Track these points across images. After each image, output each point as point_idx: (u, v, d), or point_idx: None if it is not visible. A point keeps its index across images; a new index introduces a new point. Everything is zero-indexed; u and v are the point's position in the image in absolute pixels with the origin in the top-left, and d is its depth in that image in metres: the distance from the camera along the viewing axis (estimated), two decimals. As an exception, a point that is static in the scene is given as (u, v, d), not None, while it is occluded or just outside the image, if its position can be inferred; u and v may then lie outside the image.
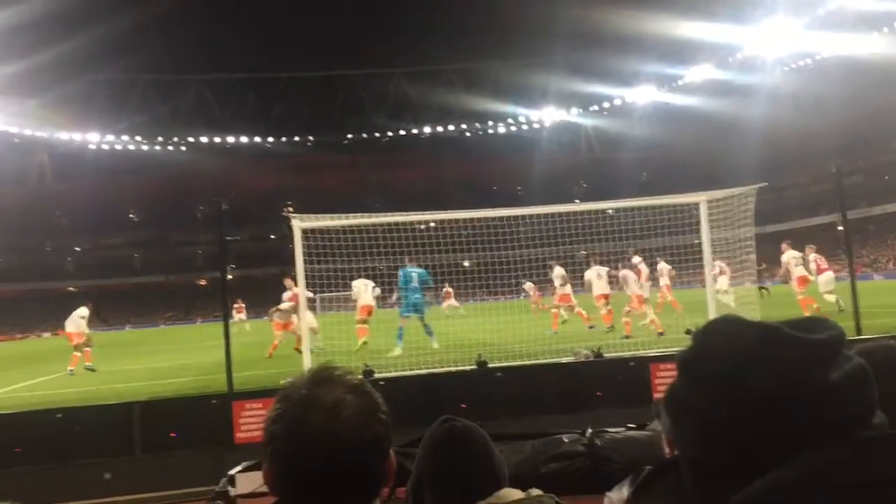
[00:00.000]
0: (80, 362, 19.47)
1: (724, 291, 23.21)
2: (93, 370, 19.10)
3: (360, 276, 17.50)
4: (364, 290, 18.23)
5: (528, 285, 28.36)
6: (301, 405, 1.25)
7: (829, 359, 0.95)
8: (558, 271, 20.10)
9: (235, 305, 38.91)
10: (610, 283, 18.77)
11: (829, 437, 0.88)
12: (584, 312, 19.22)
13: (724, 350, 1.00)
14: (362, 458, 1.25)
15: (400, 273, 17.10)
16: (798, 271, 20.29)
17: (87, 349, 19.92)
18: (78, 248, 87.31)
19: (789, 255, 20.57)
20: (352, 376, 1.33)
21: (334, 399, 1.25)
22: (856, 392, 0.93)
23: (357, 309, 17.98)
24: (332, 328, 16.90)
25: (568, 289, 19.77)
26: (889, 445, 0.88)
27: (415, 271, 16.99)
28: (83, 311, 20.90)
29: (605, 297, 18.52)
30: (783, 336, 0.97)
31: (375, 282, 18.22)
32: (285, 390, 1.30)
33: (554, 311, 20.45)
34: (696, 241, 13.33)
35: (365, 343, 16.27)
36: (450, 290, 30.77)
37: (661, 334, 15.57)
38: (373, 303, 18.55)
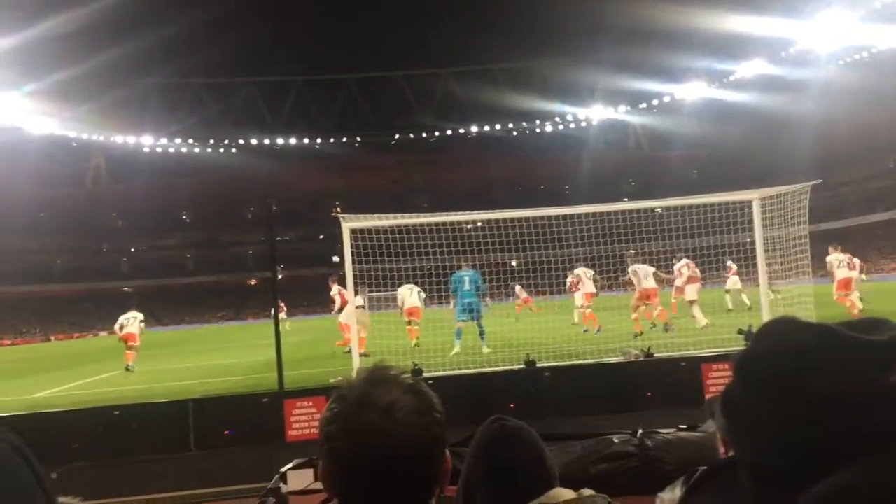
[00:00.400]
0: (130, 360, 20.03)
1: (738, 290, 24.30)
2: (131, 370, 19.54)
3: (407, 276, 17.55)
4: (409, 295, 18.98)
5: (518, 288, 28.43)
6: (357, 405, 1.26)
7: (889, 361, 0.93)
8: (641, 269, 19.74)
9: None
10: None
11: (890, 442, 0.86)
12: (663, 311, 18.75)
13: (780, 351, 0.99)
14: (418, 458, 1.26)
15: (452, 278, 17.07)
16: (840, 273, 20.68)
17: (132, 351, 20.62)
18: (133, 249, 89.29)
19: (834, 257, 21.21)
20: (407, 376, 1.34)
21: (390, 399, 1.26)
22: None
23: (402, 312, 18.50)
24: (382, 327, 16.98)
25: (651, 282, 19.13)
26: None
27: (466, 275, 16.95)
28: (138, 314, 21.77)
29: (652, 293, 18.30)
30: (841, 337, 0.95)
31: (421, 282, 18.29)
32: (341, 390, 1.31)
33: (641, 308, 19.80)
34: (749, 240, 13.09)
35: (416, 344, 16.36)
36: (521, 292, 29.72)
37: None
38: (419, 305, 19.28)
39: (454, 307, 17.19)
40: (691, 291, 20.10)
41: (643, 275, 18.35)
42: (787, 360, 0.97)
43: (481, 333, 16.64)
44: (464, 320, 16.60)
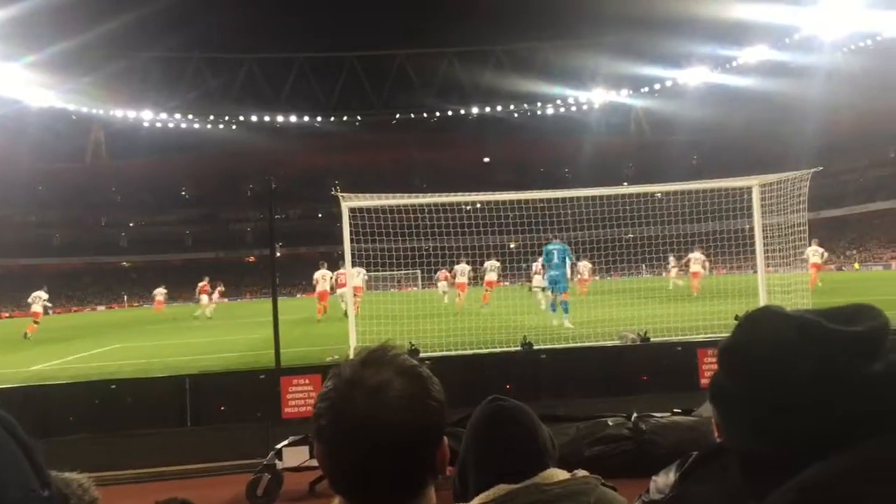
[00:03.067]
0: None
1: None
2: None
3: (405, 256, 17.62)
4: (356, 275, 20.40)
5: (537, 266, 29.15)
6: (347, 384, 1.21)
7: (871, 350, 0.93)
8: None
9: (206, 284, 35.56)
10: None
11: (873, 430, 0.87)
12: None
13: (763, 342, 0.99)
14: (407, 444, 1.19)
15: (543, 250, 17.90)
16: (814, 259, 25.67)
17: None
18: (132, 224, 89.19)
19: (812, 249, 25.41)
20: (406, 358, 1.27)
21: (380, 381, 1.20)
22: None
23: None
24: (374, 307, 17.04)
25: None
26: None
27: (555, 248, 17.50)
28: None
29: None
30: (821, 329, 0.96)
31: (420, 262, 18.50)
32: (337, 368, 1.27)
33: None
34: (748, 227, 13.09)
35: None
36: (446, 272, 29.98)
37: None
38: (362, 284, 22.75)
39: (545, 279, 18.19)
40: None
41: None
42: (770, 350, 0.97)
43: (564, 307, 17.02)
44: (552, 291, 17.63)
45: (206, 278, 35.96)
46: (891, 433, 0.86)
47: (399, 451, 1.19)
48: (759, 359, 0.98)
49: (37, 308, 27.60)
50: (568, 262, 17.70)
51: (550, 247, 17.66)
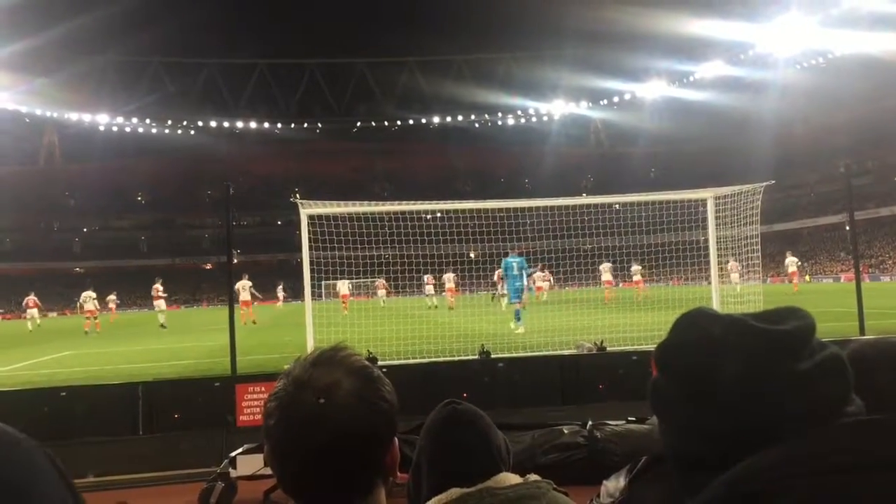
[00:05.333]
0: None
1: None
2: None
3: (365, 264, 17.80)
4: (242, 289, 28.34)
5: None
6: (296, 384, 1.20)
7: (798, 349, 0.95)
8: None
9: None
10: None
11: (801, 426, 0.89)
12: None
13: (692, 342, 1.01)
14: (355, 444, 1.18)
15: (502, 262, 18.78)
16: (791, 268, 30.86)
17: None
18: (86, 229, 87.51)
19: (791, 260, 30.92)
20: (357, 359, 1.27)
21: (330, 381, 1.20)
22: (828, 381, 0.93)
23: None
24: (332, 315, 16.96)
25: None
26: (864, 430, 0.88)
27: (515, 260, 18.49)
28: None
29: None
30: (749, 327, 0.98)
31: (381, 270, 18.83)
32: (288, 368, 1.26)
33: None
34: (703, 238, 13.31)
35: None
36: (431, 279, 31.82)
37: None
38: (249, 298, 29.20)
39: (505, 290, 19.28)
40: None
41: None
42: (697, 350, 0.99)
43: (518, 314, 18.06)
44: (516, 301, 18.33)
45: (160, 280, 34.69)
46: (817, 429, 0.89)
47: (347, 451, 1.18)
48: (688, 358, 1.00)
49: (90, 306, 30.92)
50: (524, 273, 18.87)
51: (510, 259, 18.56)
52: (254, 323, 27.54)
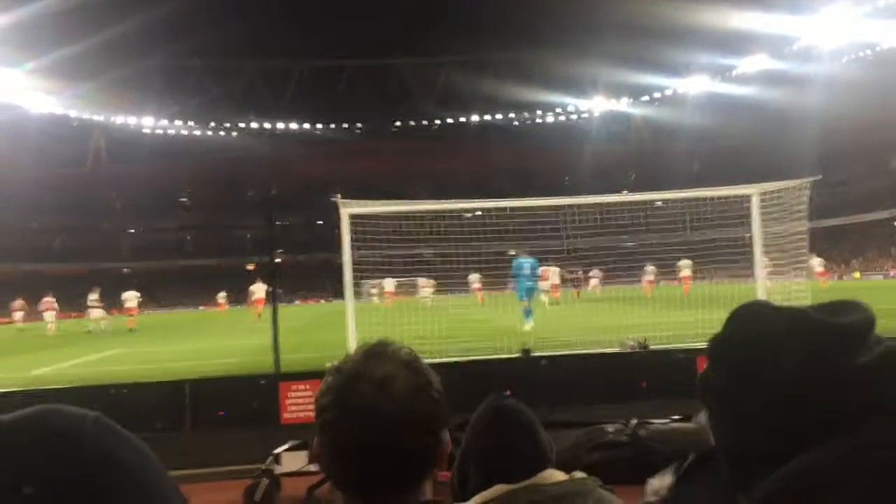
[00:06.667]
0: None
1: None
2: None
3: (405, 264, 17.96)
4: (259, 289, 33.99)
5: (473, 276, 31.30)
6: (350, 378, 1.22)
7: (857, 343, 0.94)
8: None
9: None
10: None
11: (861, 420, 0.88)
12: None
13: (750, 335, 1.00)
14: (412, 435, 1.20)
15: (513, 263, 19.20)
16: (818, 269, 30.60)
17: None
18: (132, 230, 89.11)
19: (817, 261, 30.89)
20: (406, 352, 1.30)
21: (384, 373, 1.22)
22: (886, 376, 0.91)
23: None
24: (373, 314, 17.07)
25: None
26: None
27: (527, 262, 18.95)
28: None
29: None
30: (810, 320, 0.96)
31: (420, 269, 19.24)
32: (338, 363, 1.28)
33: None
34: (748, 235, 13.10)
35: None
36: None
37: None
38: (263, 296, 33.44)
39: (514, 290, 19.74)
40: None
41: None
42: (757, 343, 0.98)
43: (530, 313, 18.57)
44: (525, 299, 18.91)
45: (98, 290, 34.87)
46: (875, 423, 0.87)
47: (403, 442, 1.20)
48: (746, 351, 0.99)
49: (131, 304, 33.74)
50: (535, 273, 19.55)
51: (522, 260, 19.07)
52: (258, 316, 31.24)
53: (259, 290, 33.97)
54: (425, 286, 32.92)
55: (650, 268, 30.37)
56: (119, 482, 0.64)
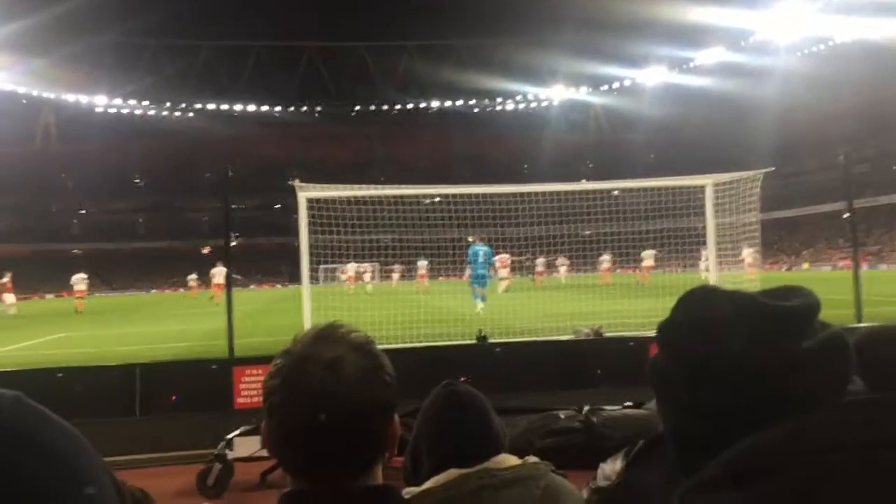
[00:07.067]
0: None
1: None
2: None
3: (364, 248, 17.89)
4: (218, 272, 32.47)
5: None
6: (299, 360, 1.20)
7: (802, 327, 0.95)
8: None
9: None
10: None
11: (803, 405, 0.89)
12: None
13: (697, 318, 1.01)
14: (361, 418, 1.19)
15: (469, 251, 19.51)
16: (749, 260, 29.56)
17: None
18: (83, 211, 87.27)
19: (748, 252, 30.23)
20: (357, 335, 1.28)
21: (334, 356, 1.20)
22: (830, 360, 0.92)
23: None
24: (330, 299, 17.01)
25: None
26: (866, 409, 0.88)
27: (481, 249, 19.46)
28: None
29: None
30: (755, 304, 0.97)
31: (378, 255, 19.32)
32: (287, 346, 1.26)
33: None
34: (701, 225, 13.29)
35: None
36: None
37: None
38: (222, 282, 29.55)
39: (468, 277, 20.15)
40: None
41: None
42: (703, 327, 0.99)
43: (482, 298, 19.09)
44: (475, 286, 19.37)
45: (9, 275, 33.61)
46: (819, 408, 0.88)
47: (353, 425, 1.18)
48: (693, 335, 0.99)
49: (80, 287, 33.44)
50: (488, 262, 20.06)
51: (476, 248, 19.50)
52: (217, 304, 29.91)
53: (220, 273, 33.08)
54: (366, 271, 34.13)
55: (606, 256, 30.76)
56: (38, 464, 0.61)
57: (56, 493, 0.60)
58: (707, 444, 0.92)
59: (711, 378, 0.94)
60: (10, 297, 32.37)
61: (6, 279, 32.73)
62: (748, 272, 22.94)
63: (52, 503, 0.60)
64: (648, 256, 31.30)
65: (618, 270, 35.11)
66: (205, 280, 42.99)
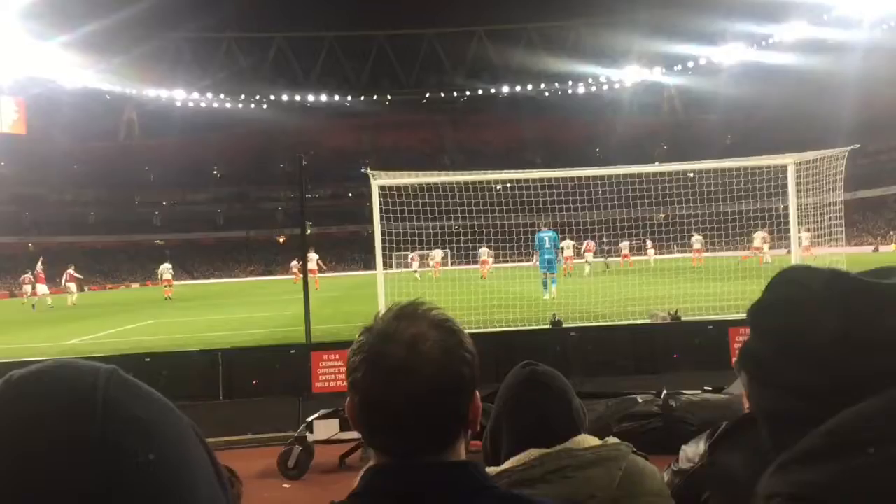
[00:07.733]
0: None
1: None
2: None
3: (435, 235, 17.86)
4: (310, 261, 29.53)
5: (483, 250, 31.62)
6: (381, 337, 1.22)
7: (892, 304, 0.92)
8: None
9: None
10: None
11: (892, 382, 0.87)
12: None
13: (791, 297, 0.99)
14: (442, 395, 1.19)
15: (535, 237, 19.76)
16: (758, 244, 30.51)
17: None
18: (164, 203, 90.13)
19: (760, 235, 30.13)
20: (438, 312, 1.28)
21: (415, 333, 1.21)
22: None
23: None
24: (403, 285, 17.16)
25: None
26: None
27: (547, 234, 19.54)
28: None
29: None
30: (852, 281, 0.95)
31: (449, 240, 19.46)
32: (369, 324, 1.27)
33: None
34: (783, 206, 12.89)
35: None
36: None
37: None
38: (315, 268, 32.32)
39: (536, 263, 20.38)
40: None
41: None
42: (798, 305, 0.97)
43: (553, 282, 19.45)
44: (545, 272, 19.51)
45: (73, 266, 34.88)
46: None
47: (434, 402, 1.19)
48: (788, 314, 0.97)
49: (167, 276, 35.48)
50: (555, 247, 20.17)
51: (542, 234, 19.60)
52: (316, 289, 29.84)
53: (311, 259, 33.18)
54: (434, 258, 34.53)
55: (697, 236, 30.05)
56: (133, 438, 0.63)
57: (153, 465, 0.62)
58: (803, 424, 0.91)
59: (805, 358, 0.93)
60: (71, 286, 33.54)
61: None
62: (804, 254, 22.21)
63: (149, 476, 0.62)
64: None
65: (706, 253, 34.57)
66: (270, 269, 43.54)
